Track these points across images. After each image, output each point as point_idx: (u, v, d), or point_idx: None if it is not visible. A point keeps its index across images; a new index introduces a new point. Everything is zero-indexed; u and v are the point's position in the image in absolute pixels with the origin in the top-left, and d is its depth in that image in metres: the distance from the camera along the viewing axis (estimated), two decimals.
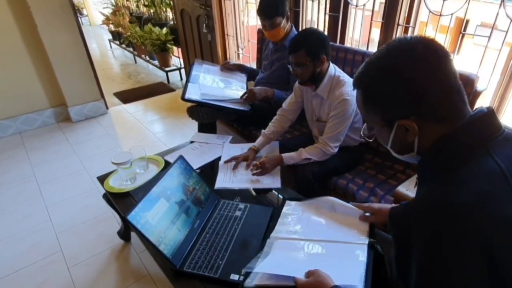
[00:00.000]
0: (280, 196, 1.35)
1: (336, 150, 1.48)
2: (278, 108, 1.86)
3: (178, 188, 1.17)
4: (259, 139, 1.63)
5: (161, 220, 1.05)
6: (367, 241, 0.98)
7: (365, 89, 0.69)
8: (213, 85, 2.05)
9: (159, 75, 4.46)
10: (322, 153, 1.48)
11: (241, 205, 1.28)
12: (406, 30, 1.72)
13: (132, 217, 0.96)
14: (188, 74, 2.08)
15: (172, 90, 4.02)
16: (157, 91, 3.98)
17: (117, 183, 1.48)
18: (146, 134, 3.01)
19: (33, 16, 2.65)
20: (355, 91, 0.71)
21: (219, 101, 1.87)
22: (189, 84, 1.95)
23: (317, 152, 1.48)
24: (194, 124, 3.19)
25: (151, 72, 4.66)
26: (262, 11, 1.80)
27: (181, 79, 4.26)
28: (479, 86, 1.34)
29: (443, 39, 1.67)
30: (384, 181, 1.54)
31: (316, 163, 1.49)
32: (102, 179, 1.53)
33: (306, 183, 1.48)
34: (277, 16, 1.79)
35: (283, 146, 1.70)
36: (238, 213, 1.24)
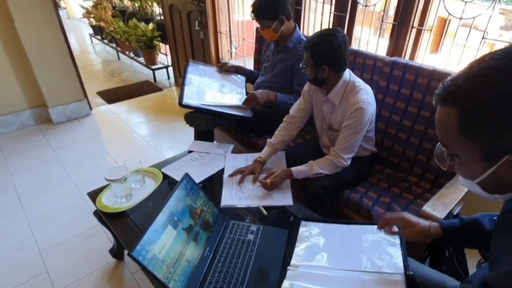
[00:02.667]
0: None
1: (349, 162, 1.39)
2: (280, 113, 1.76)
3: (185, 211, 1.04)
4: (265, 150, 1.52)
5: (169, 252, 0.92)
6: (403, 272, 0.89)
7: (468, 110, 0.52)
8: (211, 88, 1.91)
9: (144, 73, 4.25)
10: (334, 166, 1.38)
11: (253, 227, 1.17)
12: (419, 33, 1.64)
13: (137, 252, 0.83)
14: (183, 76, 1.93)
15: (160, 89, 3.83)
16: (144, 91, 3.78)
17: (111, 201, 1.33)
18: (134, 138, 2.83)
19: (10, 10, 2.42)
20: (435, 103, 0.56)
21: (220, 107, 1.74)
22: (186, 87, 1.81)
23: (329, 165, 1.38)
24: (185, 127, 3.03)
25: (136, 69, 4.44)
26: (252, 11, 1.73)
27: (169, 77, 4.07)
28: None
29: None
30: (399, 195, 1.46)
31: (328, 176, 1.39)
32: (93, 195, 1.37)
33: (317, 199, 1.38)
34: (266, 19, 1.70)
35: (288, 156, 1.59)
36: (250, 237, 1.13)
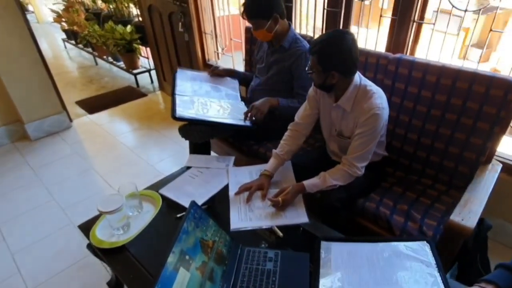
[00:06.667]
0: None
1: (363, 171, 1.30)
2: (282, 118, 1.64)
3: (197, 247, 0.92)
4: (272, 162, 1.40)
5: None
6: None
7: None
8: (204, 95, 1.77)
9: (126, 78, 4.03)
10: (348, 176, 1.29)
11: (271, 253, 1.06)
12: (420, 27, 1.56)
13: None
14: (172, 85, 1.78)
15: (144, 94, 3.64)
16: (127, 97, 3.58)
17: (107, 234, 1.19)
18: (122, 150, 2.66)
19: None
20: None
21: (217, 117, 1.60)
22: (177, 97, 1.66)
23: (343, 175, 1.28)
24: (175, 135, 2.88)
25: (116, 75, 4.21)
26: (244, 11, 1.59)
27: (152, 81, 3.88)
28: None
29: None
30: (415, 200, 1.38)
31: (343, 188, 1.29)
32: (85, 228, 1.22)
33: (334, 213, 1.29)
34: (259, 18, 1.58)
35: (295, 165, 1.49)
36: (269, 265, 1.02)
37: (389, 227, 1.30)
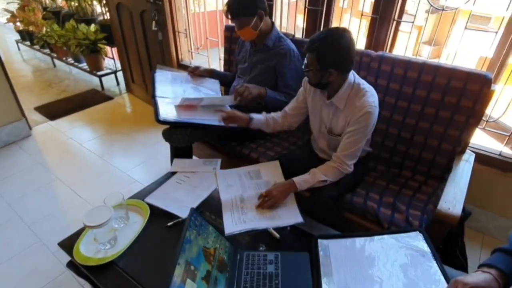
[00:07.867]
0: None
1: (352, 167, 1.32)
2: (268, 110, 1.65)
3: (200, 256, 0.87)
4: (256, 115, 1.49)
5: None
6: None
7: None
8: (187, 96, 1.70)
9: (88, 81, 3.79)
10: (339, 172, 1.30)
11: (270, 256, 1.03)
12: (398, 25, 1.62)
13: None
14: (151, 86, 1.69)
15: (109, 98, 3.43)
16: (91, 101, 3.36)
17: (92, 249, 1.09)
18: (90, 158, 2.48)
19: None
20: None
21: (202, 118, 1.54)
22: (158, 100, 1.58)
23: (333, 172, 1.29)
24: (146, 139, 2.77)
25: (77, 77, 3.94)
26: (228, 10, 1.55)
27: (118, 83, 3.68)
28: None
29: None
30: (399, 192, 1.44)
31: (333, 186, 1.30)
32: (66, 245, 1.11)
33: (326, 211, 1.29)
34: (244, 16, 1.54)
35: (283, 166, 1.47)
36: (270, 268, 0.99)
37: (377, 220, 1.33)
